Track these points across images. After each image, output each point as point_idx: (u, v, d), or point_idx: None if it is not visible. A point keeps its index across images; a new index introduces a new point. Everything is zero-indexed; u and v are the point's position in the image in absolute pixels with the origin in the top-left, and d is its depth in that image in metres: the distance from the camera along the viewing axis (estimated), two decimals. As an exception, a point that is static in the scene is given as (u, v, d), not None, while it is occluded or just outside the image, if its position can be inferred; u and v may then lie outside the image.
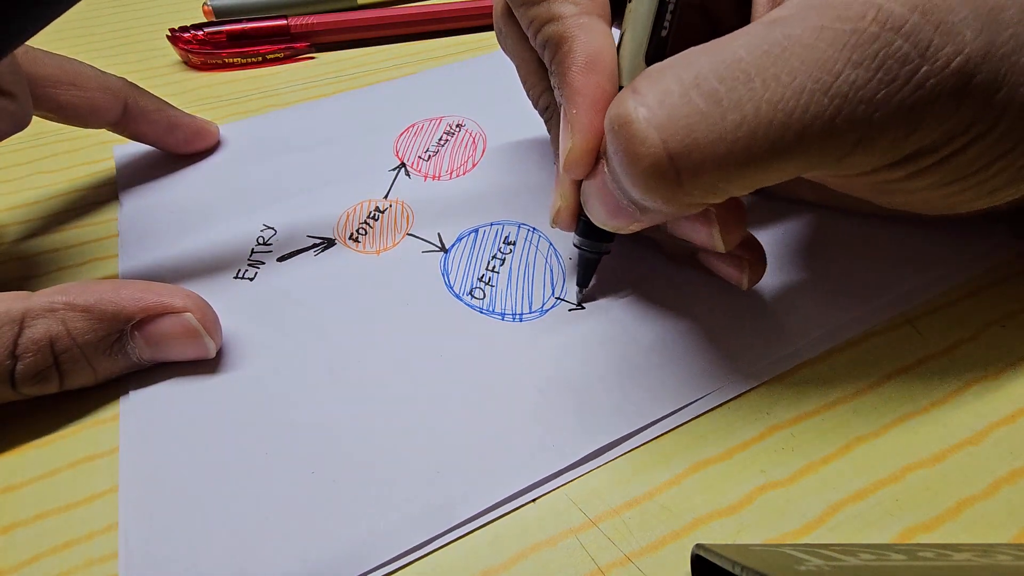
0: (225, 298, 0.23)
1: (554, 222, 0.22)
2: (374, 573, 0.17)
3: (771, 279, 0.23)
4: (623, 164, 0.15)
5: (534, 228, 0.25)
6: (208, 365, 0.21)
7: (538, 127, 0.30)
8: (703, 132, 0.14)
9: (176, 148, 0.30)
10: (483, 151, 0.29)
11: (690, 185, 0.15)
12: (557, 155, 0.21)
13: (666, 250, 0.24)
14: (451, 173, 0.28)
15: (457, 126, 0.31)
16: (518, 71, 0.23)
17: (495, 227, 0.26)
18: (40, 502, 0.18)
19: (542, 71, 0.22)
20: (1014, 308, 0.22)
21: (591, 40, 0.18)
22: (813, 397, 0.20)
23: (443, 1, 0.40)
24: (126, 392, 0.21)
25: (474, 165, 0.29)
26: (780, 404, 0.20)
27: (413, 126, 0.31)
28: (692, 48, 0.15)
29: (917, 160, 0.15)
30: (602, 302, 0.23)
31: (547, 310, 0.22)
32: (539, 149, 0.29)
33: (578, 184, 0.20)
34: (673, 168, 0.14)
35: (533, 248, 0.25)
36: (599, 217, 0.19)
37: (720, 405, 0.20)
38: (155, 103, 0.28)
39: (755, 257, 0.21)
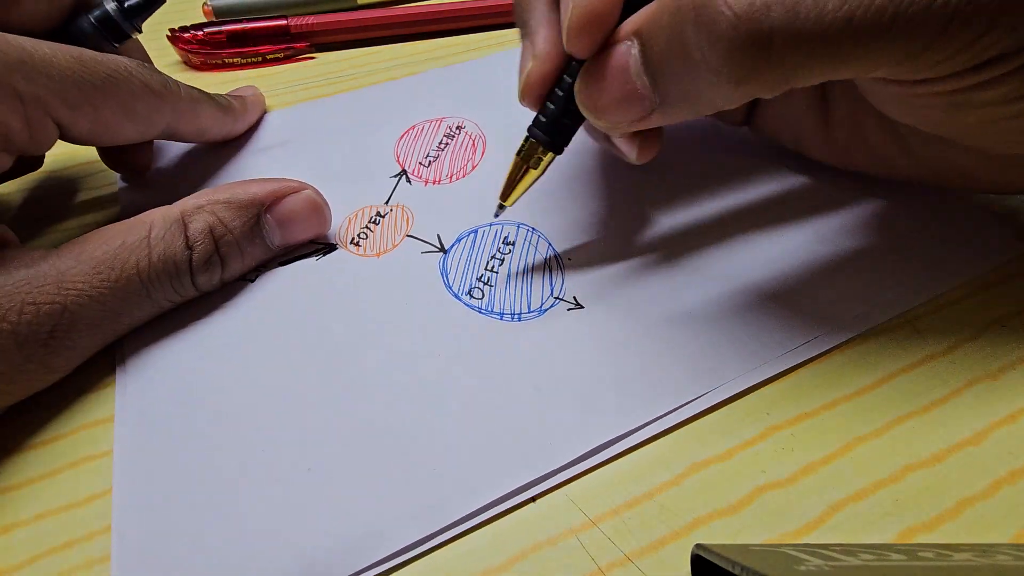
0: (226, 299, 0.23)
1: (523, 95, 0.20)
2: (371, 570, 0.17)
3: (771, 280, 0.23)
4: (711, 32, 0.15)
5: (533, 229, 0.25)
6: (207, 364, 0.21)
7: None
8: (806, 8, 0.14)
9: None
10: (483, 153, 0.29)
11: (775, 65, 0.15)
12: (541, 19, 0.20)
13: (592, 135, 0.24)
14: (451, 177, 0.28)
15: (457, 128, 0.31)
16: None
17: (494, 228, 0.26)
18: (39, 502, 0.18)
19: None
20: (1014, 308, 0.22)
21: None
22: (813, 397, 0.20)
23: (443, 1, 0.40)
24: (123, 390, 0.21)
25: (474, 167, 0.29)
26: (780, 404, 0.20)
27: (413, 128, 0.31)
28: None
29: (996, 65, 0.15)
30: (601, 301, 0.23)
31: (546, 310, 0.22)
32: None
33: (560, 51, 0.19)
34: (768, 42, 0.14)
35: (532, 248, 0.25)
36: (600, 104, 0.18)
37: (720, 405, 0.20)
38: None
39: (652, 140, 0.21)
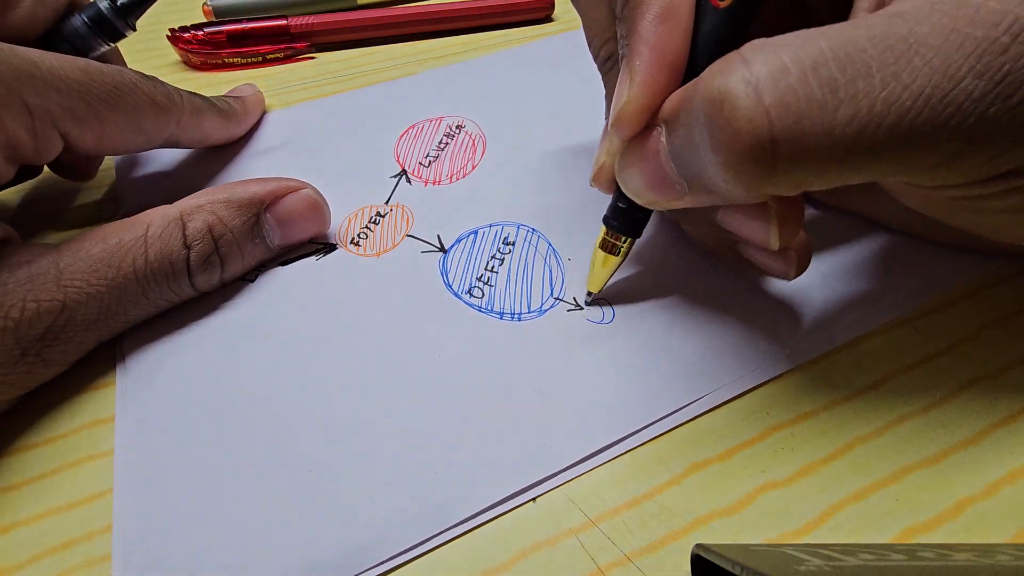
0: (226, 300, 0.23)
1: (594, 180, 0.21)
2: (372, 572, 0.17)
3: (771, 281, 0.23)
4: (715, 137, 0.14)
5: (533, 229, 0.25)
6: (208, 364, 0.21)
7: (538, 128, 0.30)
8: (812, 121, 0.13)
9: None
10: (483, 153, 0.29)
11: (783, 174, 0.14)
12: (609, 110, 0.20)
13: (696, 238, 0.23)
14: (451, 177, 0.28)
15: (457, 127, 0.31)
16: (583, 16, 0.22)
17: (494, 228, 0.26)
18: (40, 502, 0.18)
19: (611, 18, 0.20)
20: (1014, 308, 0.22)
21: None
22: (813, 397, 0.20)
23: (443, 1, 0.40)
24: (123, 390, 0.21)
25: (474, 167, 0.29)
26: (780, 404, 0.20)
27: (413, 127, 0.31)
28: (805, 29, 0.14)
29: (1011, 178, 0.15)
30: (600, 301, 0.23)
31: (546, 310, 0.22)
32: (539, 150, 0.29)
33: (666, 80, 0.18)
34: (772, 154, 0.13)
35: (532, 249, 0.25)
36: (634, 186, 0.18)
37: (720, 405, 0.20)
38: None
39: (802, 248, 0.20)
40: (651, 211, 0.20)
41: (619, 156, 0.18)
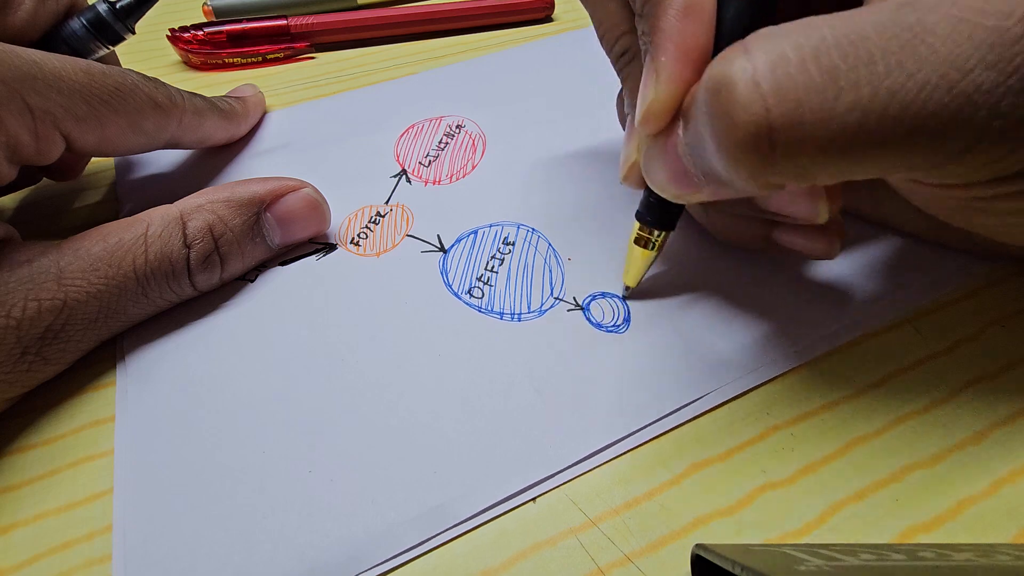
0: (226, 299, 0.23)
1: (624, 178, 0.21)
2: (372, 572, 0.17)
3: (771, 281, 0.23)
4: (714, 127, 0.14)
5: (533, 229, 0.25)
6: (208, 364, 0.21)
7: (538, 128, 0.30)
8: (811, 109, 0.13)
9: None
10: (483, 152, 0.29)
11: (782, 164, 0.14)
12: (632, 105, 0.19)
13: (720, 231, 0.23)
14: (451, 177, 0.28)
15: (457, 127, 0.31)
16: (593, 12, 0.21)
17: (494, 228, 0.26)
18: (40, 502, 0.18)
19: (624, 11, 0.20)
20: (1014, 308, 0.22)
21: None
22: (813, 397, 0.20)
23: (443, 1, 0.40)
24: (124, 390, 0.21)
25: (474, 167, 0.29)
26: (780, 404, 0.20)
27: (413, 127, 0.31)
28: (812, 17, 0.14)
29: (1020, 180, 0.14)
30: (600, 302, 0.23)
31: (545, 310, 0.22)
32: (539, 150, 0.29)
33: (688, 74, 0.17)
34: (769, 142, 0.13)
35: (532, 249, 0.25)
36: (658, 180, 0.18)
37: (720, 405, 0.20)
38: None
39: (838, 226, 0.19)
40: (682, 204, 0.20)
41: (643, 151, 0.18)
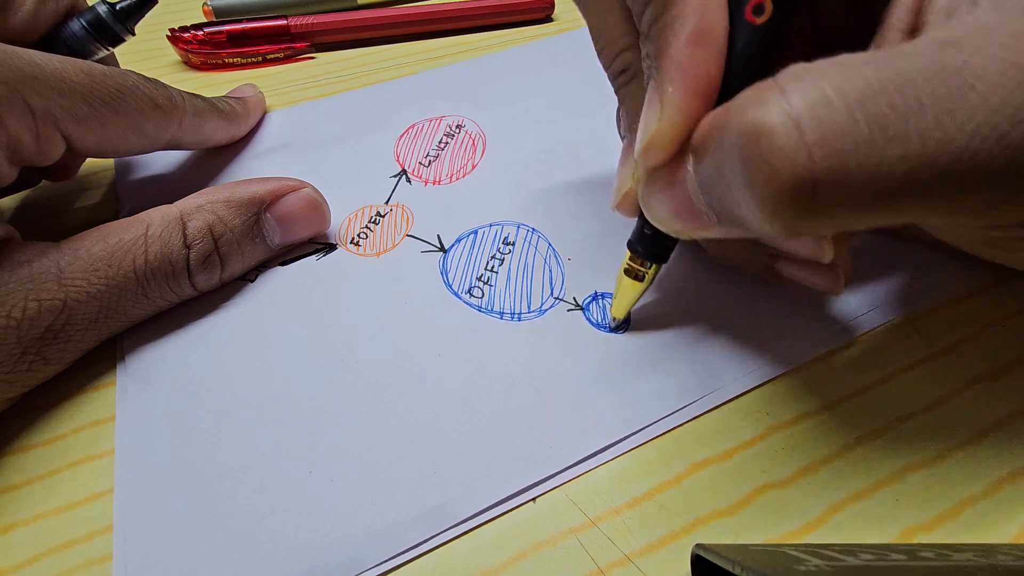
0: (226, 299, 0.23)
1: (617, 206, 0.19)
2: (372, 572, 0.17)
3: (770, 281, 0.23)
4: (749, 174, 0.13)
5: (533, 229, 0.25)
6: (208, 364, 0.21)
7: (538, 128, 0.30)
8: (859, 161, 0.12)
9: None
10: (483, 152, 0.29)
11: (823, 216, 0.13)
12: (629, 129, 0.18)
13: (722, 258, 0.22)
14: (451, 177, 0.28)
15: (457, 127, 0.31)
16: (592, 24, 0.20)
17: (494, 228, 0.26)
18: (40, 502, 0.18)
19: (626, 25, 0.19)
20: (1014, 308, 0.22)
21: (707, 8, 0.15)
22: (813, 397, 0.20)
23: (443, 1, 0.40)
24: (123, 390, 0.21)
25: (474, 167, 0.29)
26: (780, 404, 0.20)
27: (413, 127, 0.31)
28: (846, 55, 0.13)
29: None
30: (600, 302, 0.23)
31: (545, 310, 0.22)
32: (539, 150, 0.29)
33: (697, 107, 0.16)
34: (813, 195, 0.12)
35: (532, 248, 0.25)
36: (660, 214, 0.17)
37: (720, 405, 0.20)
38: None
39: (845, 261, 0.19)
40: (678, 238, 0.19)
41: (643, 182, 0.17)
